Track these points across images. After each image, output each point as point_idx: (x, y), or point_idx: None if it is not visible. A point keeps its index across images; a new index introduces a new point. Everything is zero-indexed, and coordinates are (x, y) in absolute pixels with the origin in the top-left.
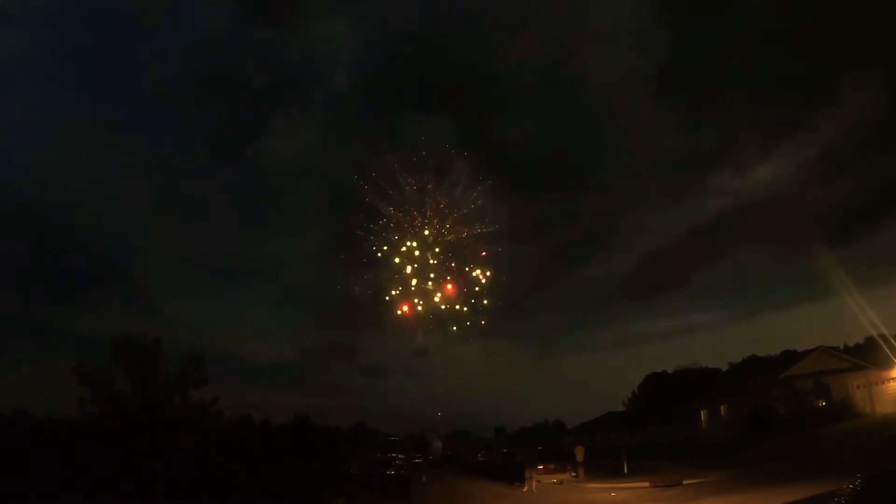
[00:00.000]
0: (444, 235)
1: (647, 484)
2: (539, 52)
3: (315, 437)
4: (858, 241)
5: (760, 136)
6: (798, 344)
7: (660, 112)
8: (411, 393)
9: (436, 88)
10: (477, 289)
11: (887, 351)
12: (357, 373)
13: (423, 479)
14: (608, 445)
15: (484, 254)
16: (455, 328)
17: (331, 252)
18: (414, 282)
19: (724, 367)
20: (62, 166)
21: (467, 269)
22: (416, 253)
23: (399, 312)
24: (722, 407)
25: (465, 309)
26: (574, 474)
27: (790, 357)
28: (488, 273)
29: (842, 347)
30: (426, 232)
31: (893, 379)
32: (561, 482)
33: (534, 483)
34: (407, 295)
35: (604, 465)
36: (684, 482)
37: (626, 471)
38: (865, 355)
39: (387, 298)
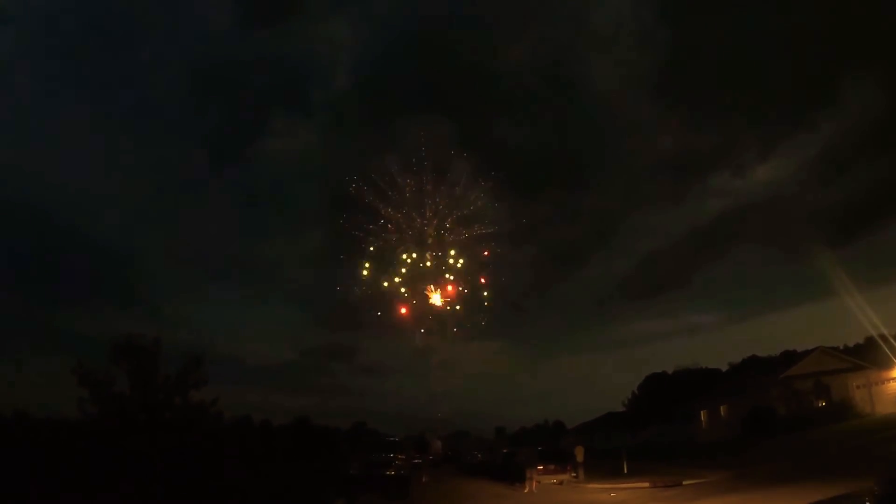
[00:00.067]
0: (443, 236)
1: (646, 484)
2: (539, 53)
3: (315, 438)
4: (858, 241)
5: (760, 137)
6: (798, 344)
7: (660, 112)
8: (411, 393)
9: (436, 88)
10: (477, 289)
11: (887, 351)
12: (357, 373)
13: (424, 479)
14: (608, 446)
15: (486, 253)
16: (455, 329)
17: (330, 252)
18: (413, 283)
19: (724, 368)
20: (62, 166)
21: (467, 269)
22: (416, 254)
23: (398, 314)
24: (722, 407)
25: (465, 310)
26: (574, 475)
27: (790, 357)
28: (488, 274)
29: (842, 348)
30: (426, 232)
31: (893, 379)
32: (561, 482)
33: (534, 483)
34: (406, 296)
35: (604, 466)
36: (684, 482)
37: (625, 471)
38: (865, 355)
39: (385, 301)
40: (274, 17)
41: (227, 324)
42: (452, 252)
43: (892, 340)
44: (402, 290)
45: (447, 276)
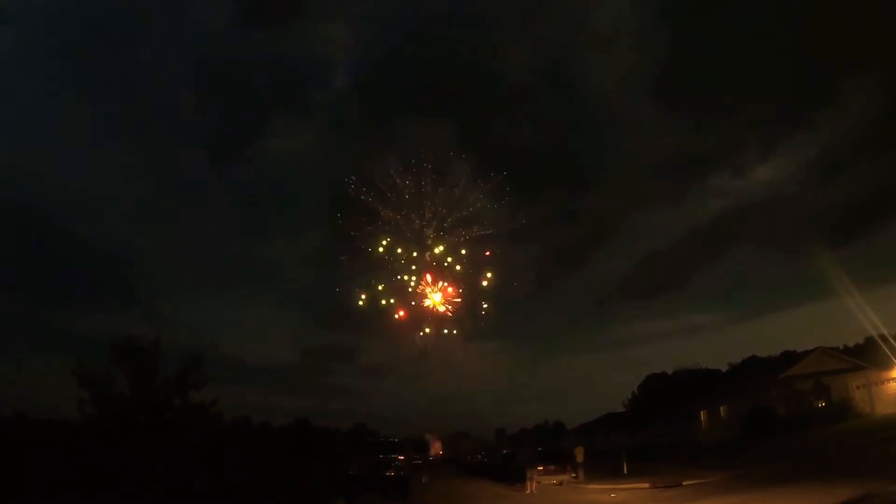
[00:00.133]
0: (443, 237)
1: (646, 485)
2: (539, 52)
3: (315, 439)
4: (858, 241)
5: (760, 137)
6: (798, 344)
7: (660, 112)
8: (411, 394)
9: (436, 89)
10: (477, 290)
11: (887, 351)
12: (357, 374)
13: (424, 479)
14: (608, 446)
15: (488, 254)
16: (455, 330)
17: (330, 253)
18: (413, 284)
19: (724, 368)
20: (62, 166)
21: (467, 270)
22: (415, 254)
23: (396, 316)
24: (722, 407)
25: (465, 310)
26: (574, 475)
27: (790, 357)
28: (489, 274)
29: (842, 348)
30: (425, 233)
31: (893, 379)
32: (561, 483)
33: (534, 484)
34: (406, 297)
35: (603, 466)
36: (684, 483)
37: (625, 471)
38: (865, 356)
39: (384, 302)
40: (274, 18)
41: (227, 324)
42: (451, 254)
43: (892, 340)
44: (398, 291)
45: (446, 276)
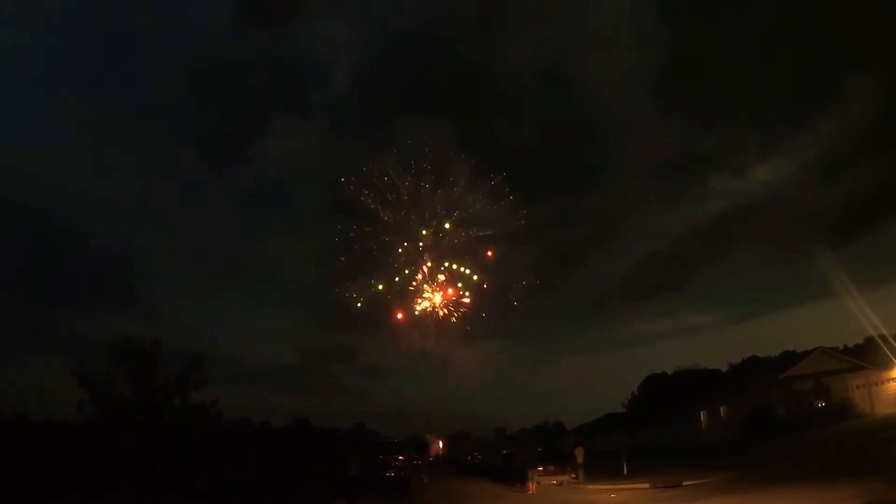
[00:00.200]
0: (443, 237)
1: (646, 485)
2: (539, 52)
3: (315, 439)
4: (858, 241)
5: (760, 137)
6: (798, 345)
7: (660, 112)
8: (411, 394)
9: (436, 89)
10: (476, 291)
11: (887, 351)
12: (357, 374)
13: (425, 480)
14: (608, 447)
15: (490, 254)
16: (455, 330)
17: (330, 254)
18: (412, 284)
19: (724, 368)
20: (62, 166)
21: (466, 271)
22: (415, 255)
23: (396, 318)
24: (722, 408)
25: (465, 311)
26: (574, 475)
27: (790, 358)
28: (488, 275)
29: (841, 348)
30: (424, 233)
31: (893, 379)
32: (561, 483)
33: (534, 484)
34: (405, 298)
35: (603, 467)
36: (684, 483)
37: (625, 472)
38: (865, 356)
39: (383, 304)
40: (274, 18)
41: (227, 324)
42: (452, 254)
43: (891, 341)
44: (397, 293)
45: (446, 277)
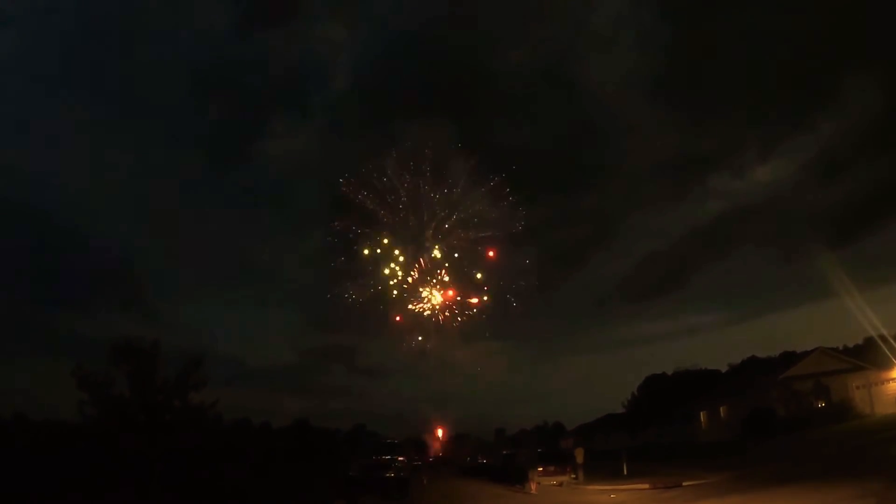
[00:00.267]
0: (443, 238)
1: (646, 486)
2: (539, 53)
3: (315, 439)
4: (858, 241)
5: (760, 137)
6: (797, 345)
7: (660, 112)
8: (411, 395)
9: (436, 89)
10: (476, 292)
11: (887, 352)
12: (357, 375)
13: (424, 481)
14: (608, 447)
15: (491, 255)
16: (455, 331)
17: (330, 254)
18: (412, 285)
19: (724, 369)
20: (62, 166)
21: (466, 271)
22: (415, 256)
23: (395, 319)
24: (721, 408)
25: (465, 312)
26: (574, 476)
27: (790, 358)
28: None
29: (841, 348)
30: (425, 234)
31: (893, 379)
32: (560, 484)
33: (535, 485)
34: (405, 299)
35: (603, 467)
36: (684, 484)
37: (625, 472)
38: (865, 356)
39: (382, 306)
40: (274, 18)
41: (227, 325)
42: (451, 255)
43: (891, 341)
44: (396, 294)
45: (446, 278)
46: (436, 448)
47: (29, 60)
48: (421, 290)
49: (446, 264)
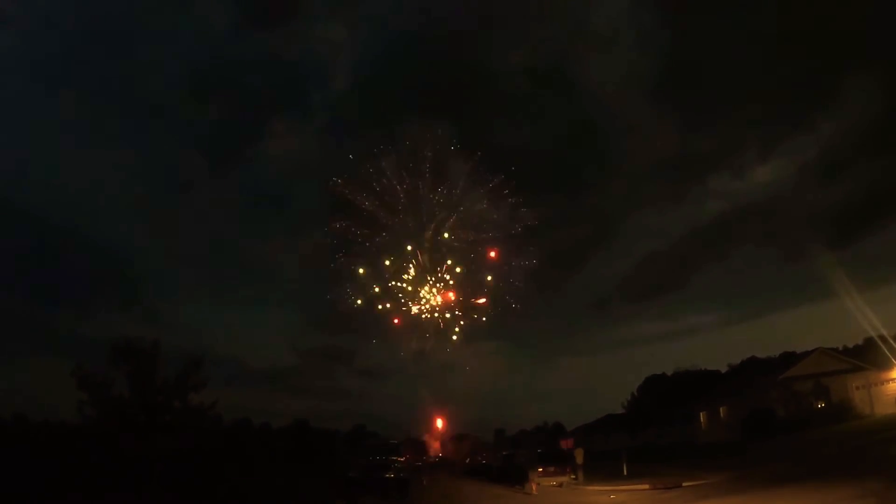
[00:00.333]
0: (442, 238)
1: (646, 486)
2: (539, 53)
3: (314, 440)
4: (858, 242)
5: (760, 137)
6: (797, 345)
7: (660, 112)
8: (411, 396)
9: (436, 90)
10: (476, 292)
11: (886, 352)
12: (357, 375)
13: (424, 481)
14: (608, 447)
15: (492, 255)
16: (454, 331)
17: (329, 254)
18: (412, 285)
19: (724, 369)
20: (62, 166)
21: (465, 272)
22: (414, 256)
23: (394, 322)
24: (721, 409)
25: (464, 312)
26: (573, 476)
27: (789, 358)
28: (488, 277)
29: (841, 349)
30: (425, 235)
31: (893, 380)
32: (560, 484)
33: (535, 485)
34: (404, 299)
35: (603, 468)
36: (684, 484)
37: (625, 473)
38: (865, 356)
39: (380, 307)
40: (274, 18)
41: (227, 325)
42: (451, 255)
43: (891, 341)
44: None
45: (445, 279)
46: (435, 448)
47: (29, 61)
48: (420, 291)
49: (446, 265)
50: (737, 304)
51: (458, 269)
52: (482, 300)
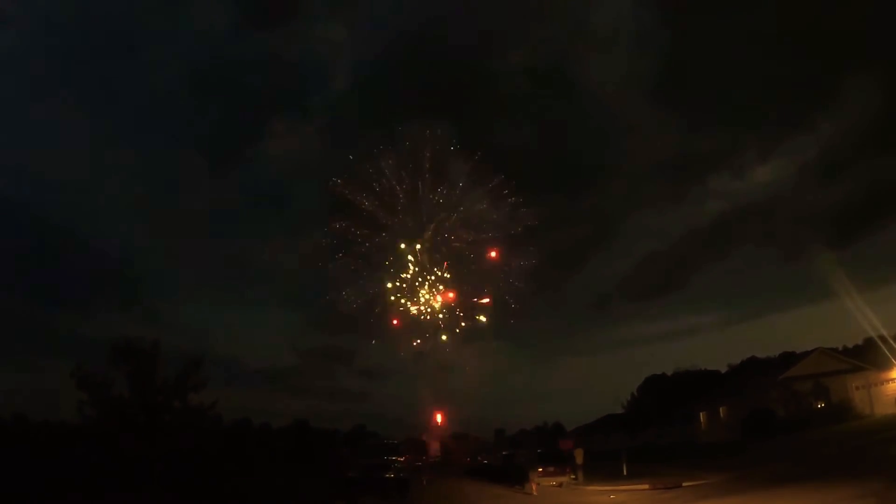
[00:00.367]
0: (442, 238)
1: (646, 486)
2: (539, 53)
3: (314, 440)
4: (858, 242)
5: (760, 137)
6: (797, 345)
7: (660, 112)
8: (411, 396)
9: (436, 90)
10: (476, 292)
11: (886, 352)
12: (357, 376)
13: (424, 482)
14: (607, 447)
15: (493, 255)
16: (454, 331)
17: (329, 255)
18: (410, 285)
19: (724, 369)
20: (62, 166)
21: (465, 272)
22: (414, 257)
23: (393, 323)
24: (721, 409)
25: (464, 312)
26: (573, 476)
27: (789, 358)
28: (487, 276)
29: (841, 349)
30: (424, 235)
31: (892, 380)
32: (560, 484)
33: (535, 485)
34: (404, 300)
35: (603, 468)
36: (684, 484)
37: (625, 473)
38: (864, 356)
39: (381, 306)
40: (274, 18)
41: (227, 325)
42: (451, 255)
43: (891, 341)
44: (396, 296)
45: (446, 278)
46: (435, 448)
47: (29, 61)
48: (420, 291)
49: (446, 265)
50: (737, 304)
51: (458, 270)
52: (486, 300)
